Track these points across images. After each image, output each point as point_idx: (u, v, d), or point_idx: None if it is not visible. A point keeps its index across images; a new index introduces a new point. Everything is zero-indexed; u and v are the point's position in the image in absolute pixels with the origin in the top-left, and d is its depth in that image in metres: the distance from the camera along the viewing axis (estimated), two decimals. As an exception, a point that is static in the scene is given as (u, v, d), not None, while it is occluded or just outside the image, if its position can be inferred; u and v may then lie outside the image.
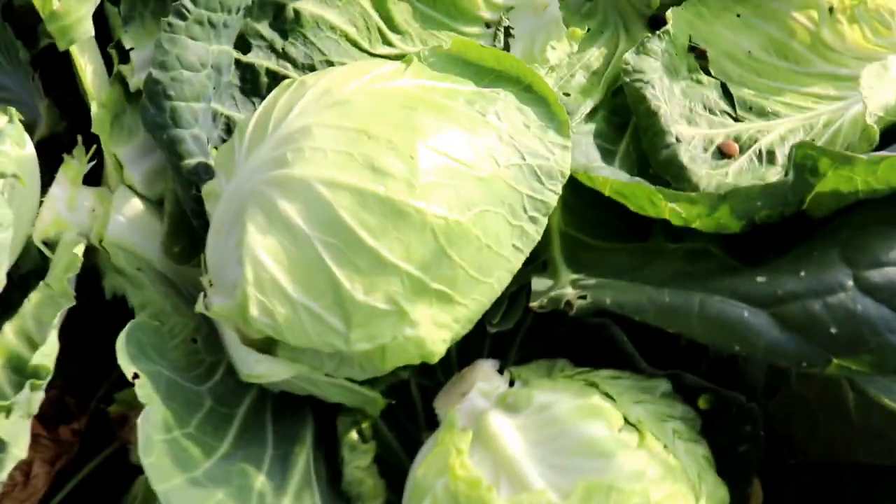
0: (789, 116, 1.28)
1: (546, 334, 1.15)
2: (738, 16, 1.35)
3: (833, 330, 0.93)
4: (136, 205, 1.18)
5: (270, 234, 0.93)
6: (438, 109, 0.99)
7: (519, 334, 1.16)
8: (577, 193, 1.21)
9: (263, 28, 1.17)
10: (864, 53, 1.32)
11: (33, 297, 1.11)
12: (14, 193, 1.07)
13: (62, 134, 1.27)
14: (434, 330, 0.95)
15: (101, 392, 1.26)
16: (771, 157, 1.23)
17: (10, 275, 1.12)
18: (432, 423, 1.12)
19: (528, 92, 1.08)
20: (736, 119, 1.29)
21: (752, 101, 1.30)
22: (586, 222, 1.21)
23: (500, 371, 1.08)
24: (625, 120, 1.31)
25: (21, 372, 1.05)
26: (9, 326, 1.09)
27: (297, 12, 1.18)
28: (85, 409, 1.24)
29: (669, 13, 1.31)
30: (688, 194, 1.03)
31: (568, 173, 1.03)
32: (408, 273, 0.93)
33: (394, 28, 1.25)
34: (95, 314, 1.18)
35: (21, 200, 1.12)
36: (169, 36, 1.07)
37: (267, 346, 1.00)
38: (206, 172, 1.11)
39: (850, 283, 0.94)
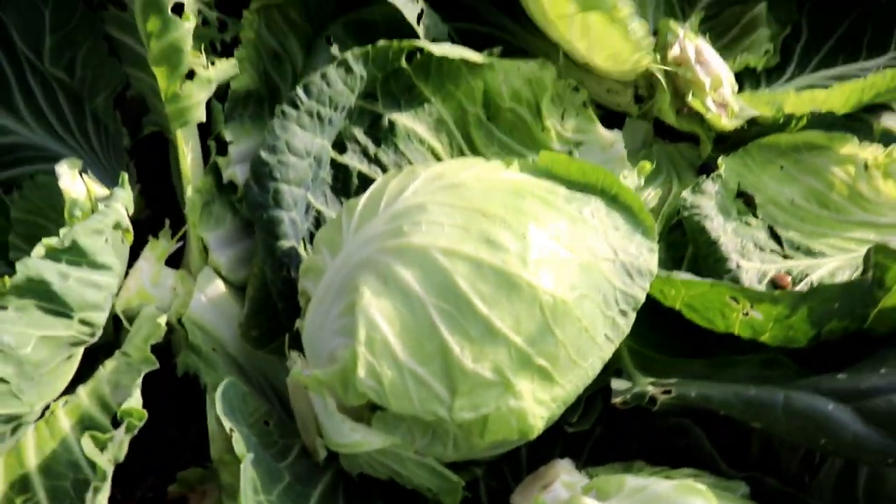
0: (835, 256, 1.36)
1: (617, 441, 1.16)
2: (782, 168, 1.47)
3: (920, 424, 0.96)
4: (219, 287, 1.20)
5: (385, 296, 0.96)
6: (543, 201, 1.05)
7: (590, 441, 1.17)
8: (642, 317, 1.26)
9: (359, 133, 1.25)
10: (898, 204, 1.44)
11: (108, 364, 1.11)
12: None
13: (143, 221, 1.31)
14: (535, 406, 0.96)
15: (147, 482, 1.23)
16: (822, 291, 1.30)
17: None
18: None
19: (615, 202, 1.15)
20: (785, 257, 1.38)
21: (798, 242, 1.39)
22: (651, 342, 1.25)
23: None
24: (681, 254, 1.39)
25: (100, 444, 1.02)
26: (83, 390, 1.08)
27: (391, 123, 1.26)
28: (130, 499, 1.20)
29: (720, 160, 1.43)
30: (771, 293, 1.08)
31: (655, 272, 1.08)
32: (515, 345, 0.95)
33: (473, 149, 1.33)
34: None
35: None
36: (281, 122, 1.14)
37: (361, 416, 1.00)
38: (297, 257, 1.15)
39: (929, 378, 0.98)
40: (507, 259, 0.96)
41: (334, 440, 1.00)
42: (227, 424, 0.94)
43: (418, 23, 1.29)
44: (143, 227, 1.27)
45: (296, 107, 1.15)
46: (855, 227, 1.41)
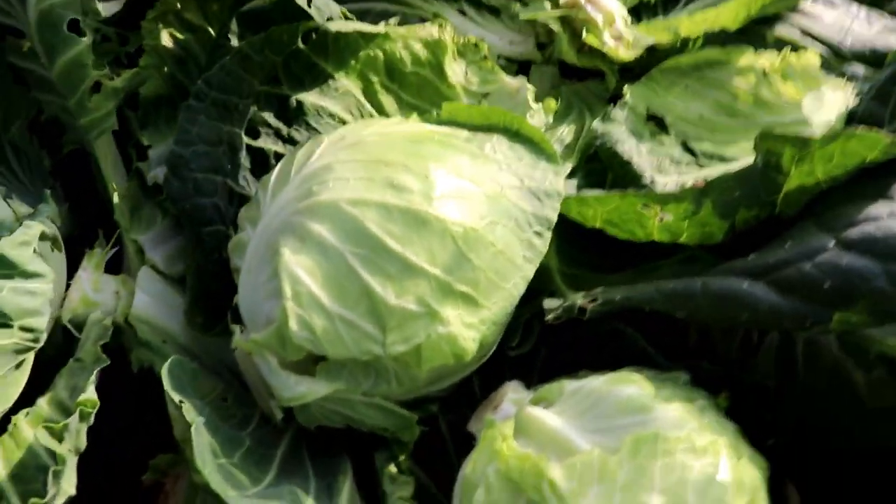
0: (748, 158, 1.42)
1: (561, 358, 1.21)
2: (686, 87, 1.52)
3: (826, 285, 1.01)
4: (159, 282, 1.24)
5: (304, 253, 1.00)
6: (442, 143, 1.10)
7: (538, 362, 1.22)
8: (569, 240, 1.32)
9: (270, 117, 1.30)
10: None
11: (64, 373, 1.15)
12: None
13: (77, 237, 1.35)
14: (464, 329, 1.01)
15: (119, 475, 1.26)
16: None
17: (36, 358, 1.16)
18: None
19: (518, 136, 1.20)
20: (701, 167, 1.43)
21: (712, 151, 1.44)
22: (581, 263, 1.30)
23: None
24: (601, 181, 1.44)
25: (56, 436, 1.06)
26: (43, 399, 1.12)
27: (299, 102, 1.31)
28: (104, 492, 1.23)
29: (626, 88, 1.48)
30: (673, 192, 1.14)
31: (563, 192, 1.14)
32: (434, 276, 1.00)
33: (384, 115, 1.38)
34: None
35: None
36: (188, 115, 1.19)
37: (307, 370, 1.04)
38: (226, 239, 1.19)
39: (832, 243, 1.03)
40: (413, 199, 1.01)
41: (284, 396, 1.04)
42: (176, 397, 0.98)
43: (309, 5, 1.33)
44: (79, 243, 1.31)
45: (200, 99, 1.20)
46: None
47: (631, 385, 0.98)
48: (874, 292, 0.99)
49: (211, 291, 1.21)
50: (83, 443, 1.00)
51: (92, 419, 1.01)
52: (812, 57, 1.49)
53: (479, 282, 1.02)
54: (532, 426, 0.98)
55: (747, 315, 1.03)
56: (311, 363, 1.04)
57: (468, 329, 1.01)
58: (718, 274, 1.07)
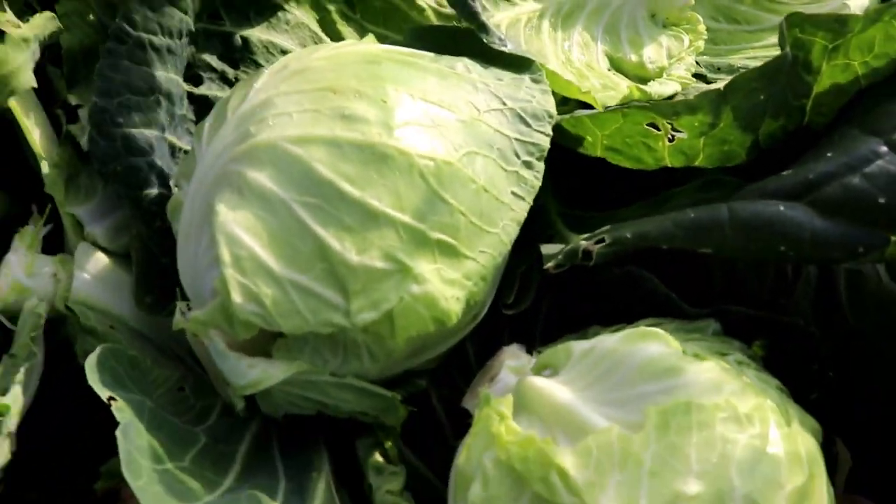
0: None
1: (567, 313, 1.01)
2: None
3: (881, 200, 0.80)
4: (101, 259, 1.05)
5: (242, 207, 0.81)
6: (403, 63, 0.90)
7: (539, 319, 1.02)
8: (567, 175, 1.11)
9: (213, 60, 1.10)
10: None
11: (-1, 370, 0.96)
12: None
13: (14, 217, 1.15)
14: (444, 287, 0.82)
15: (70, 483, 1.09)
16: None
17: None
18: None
19: (497, 57, 1.00)
20: (710, 82, 1.22)
21: (718, 63, 1.23)
22: (584, 201, 1.10)
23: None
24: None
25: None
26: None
27: (244, 40, 1.11)
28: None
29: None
30: (686, 100, 0.93)
31: (554, 113, 0.93)
32: (402, 223, 0.80)
33: (347, 48, 1.18)
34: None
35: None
36: (109, 61, 0.98)
37: (260, 349, 0.85)
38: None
39: (884, 148, 0.83)
40: (368, 130, 0.81)
41: (237, 383, 0.85)
42: (105, 393, 0.79)
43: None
44: (15, 223, 1.12)
45: (122, 42, 1.00)
46: (768, 34, 1.25)
47: (653, 342, 0.78)
48: (942, 201, 0.79)
49: (160, 266, 1.02)
50: (5, 455, 0.81)
51: (10, 426, 0.83)
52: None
53: (460, 227, 0.83)
54: (536, 400, 0.78)
55: (786, 246, 0.83)
56: (267, 341, 0.85)
57: (450, 286, 0.82)
58: (747, 197, 0.87)
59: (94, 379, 0.80)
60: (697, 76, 1.21)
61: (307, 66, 0.88)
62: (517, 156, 0.89)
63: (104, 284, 1.04)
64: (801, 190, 0.84)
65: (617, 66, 1.18)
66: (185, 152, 1.05)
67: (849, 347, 1.00)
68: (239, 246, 0.80)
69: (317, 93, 0.84)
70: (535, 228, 1.07)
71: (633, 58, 1.19)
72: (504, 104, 0.91)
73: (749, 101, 0.92)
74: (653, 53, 1.19)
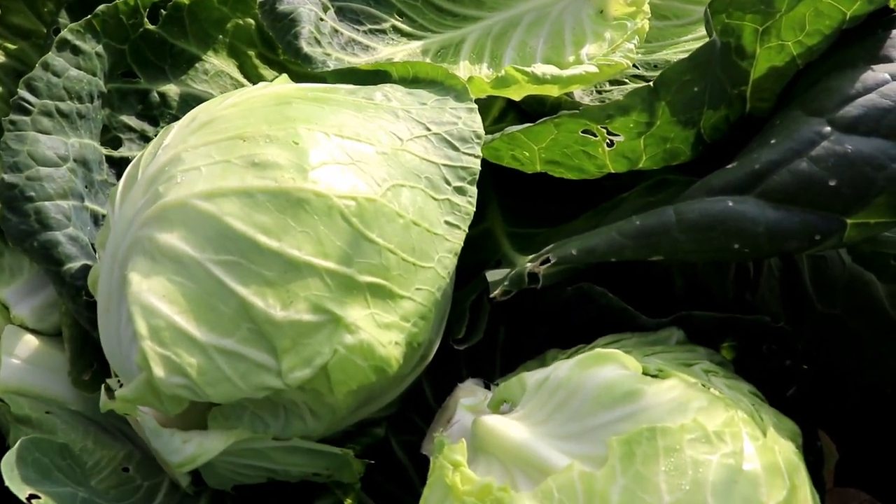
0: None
1: (525, 339, 0.93)
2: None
3: (832, 182, 0.73)
4: (31, 342, 0.97)
5: (156, 273, 0.72)
6: (316, 100, 0.82)
7: (497, 348, 0.94)
8: (512, 193, 1.04)
9: (130, 120, 1.02)
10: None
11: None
12: None
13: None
14: (380, 332, 0.73)
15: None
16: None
17: None
18: (430, 483, 0.87)
19: (415, 82, 0.93)
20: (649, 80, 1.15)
21: (655, 60, 1.16)
22: (532, 218, 1.03)
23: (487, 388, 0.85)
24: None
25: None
26: None
27: (162, 95, 1.03)
28: None
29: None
30: (616, 101, 0.85)
31: (482, 133, 0.86)
32: (328, 270, 0.72)
33: (272, 92, 1.10)
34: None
35: None
36: (15, 134, 0.90)
37: (196, 421, 0.77)
38: (96, 275, 0.91)
39: (828, 128, 0.76)
40: (280, 175, 0.73)
41: (172, 461, 0.76)
42: (25, 492, 0.70)
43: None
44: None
45: (26, 112, 0.92)
46: (698, 26, 1.18)
47: (608, 365, 0.70)
48: (893, 179, 0.72)
49: (94, 341, 0.93)
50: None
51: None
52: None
53: (390, 267, 0.75)
54: (491, 441, 0.70)
55: (740, 243, 0.76)
56: (203, 412, 0.77)
57: (386, 331, 0.74)
58: (694, 196, 0.79)
59: (12, 477, 0.72)
60: (636, 77, 1.14)
61: (215, 116, 0.80)
62: (447, 182, 0.81)
63: (36, 368, 0.95)
64: (749, 182, 0.77)
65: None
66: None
67: (821, 335, 0.93)
68: (155, 316, 0.71)
69: (226, 142, 0.76)
70: (482, 252, 1.00)
71: (572, 58, 1.11)
72: (428, 129, 0.83)
73: (684, 95, 0.85)
74: (592, 49, 1.11)
